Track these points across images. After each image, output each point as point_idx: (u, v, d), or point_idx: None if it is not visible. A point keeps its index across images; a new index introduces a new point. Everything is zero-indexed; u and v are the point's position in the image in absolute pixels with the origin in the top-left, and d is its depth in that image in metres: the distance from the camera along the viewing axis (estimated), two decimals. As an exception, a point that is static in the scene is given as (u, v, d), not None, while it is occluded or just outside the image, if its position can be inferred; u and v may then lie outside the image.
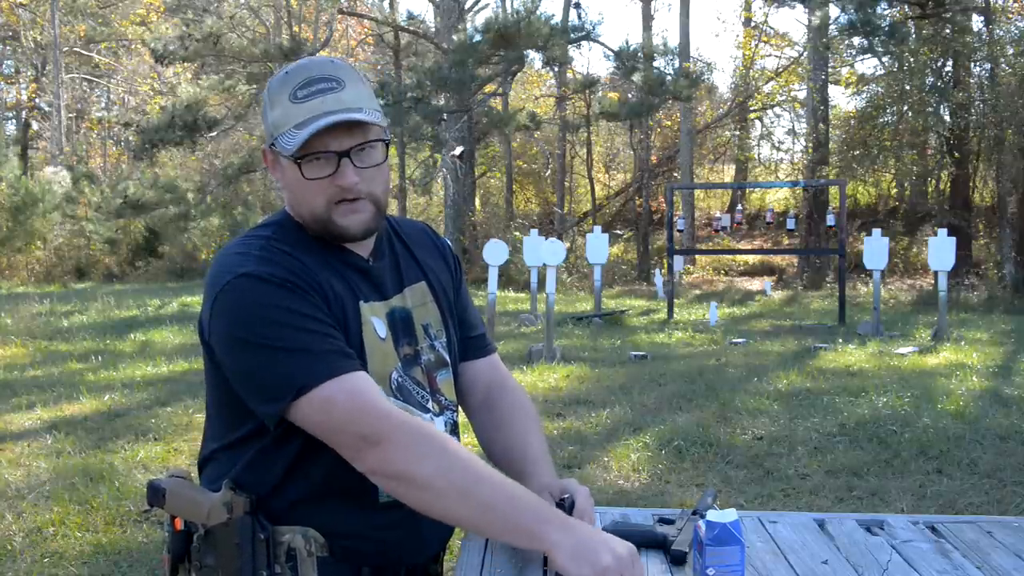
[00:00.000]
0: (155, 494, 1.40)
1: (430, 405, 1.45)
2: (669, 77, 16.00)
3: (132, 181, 17.09)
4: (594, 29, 16.24)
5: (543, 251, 9.58)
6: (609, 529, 1.49)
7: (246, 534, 1.31)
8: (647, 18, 22.73)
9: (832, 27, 17.42)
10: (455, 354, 1.54)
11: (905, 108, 17.22)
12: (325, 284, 1.33)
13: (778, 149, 26.82)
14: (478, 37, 15.34)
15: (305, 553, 1.33)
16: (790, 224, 14.10)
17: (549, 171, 25.00)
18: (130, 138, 23.47)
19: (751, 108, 24.44)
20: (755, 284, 17.80)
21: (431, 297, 1.50)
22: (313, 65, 1.34)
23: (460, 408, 1.61)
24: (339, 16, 20.83)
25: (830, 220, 12.16)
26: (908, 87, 16.78)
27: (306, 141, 1.28)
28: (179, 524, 1.38)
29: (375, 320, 1.39)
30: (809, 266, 17.73)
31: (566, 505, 1.37)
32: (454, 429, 1.51)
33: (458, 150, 17.43)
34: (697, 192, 21.85)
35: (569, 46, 16.15)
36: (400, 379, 1.41)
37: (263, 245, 1.34)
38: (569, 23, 17.69)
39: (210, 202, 17.86)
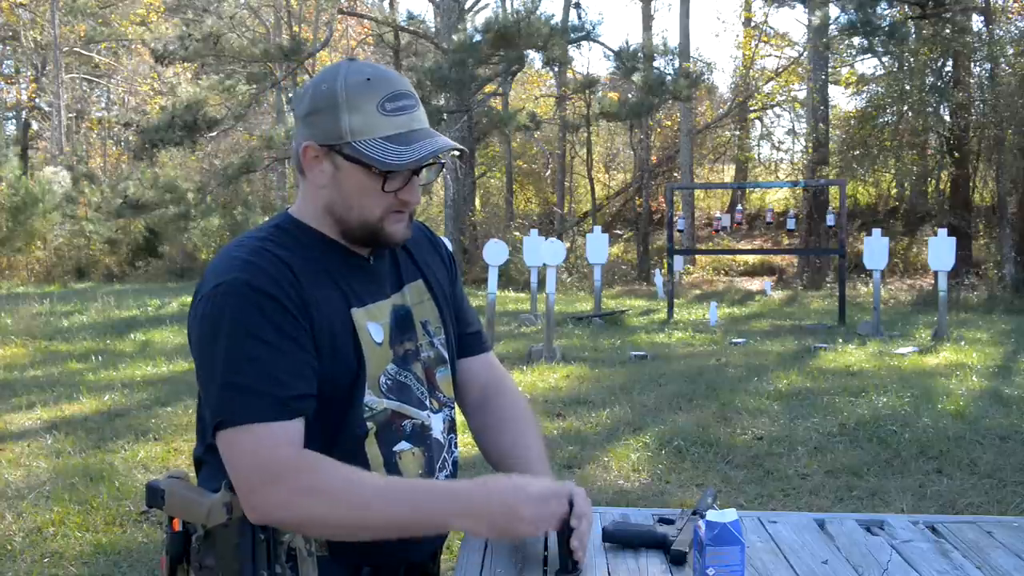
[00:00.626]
0: (153, 495, 1.40)
1: (428, 402, 1.45)
2: (669, 77, 16.00)
3: (132, 181, 17.08)
4: (594, 29, 16.27)
5: (543, 251, 9.58)
6: (609, 529, 1.49)
7: (246, 534, 1.31)
8: (647, 18, 22.74)
9: (832, 27, 17.43)
10: (453, 352, 1.55)
11: (905, 108, 17.22)
12: (310, 295, 1.33)
13: (778, 149, 26.86)
14: (478, 37, 15.34)
15: (305, 553, 1.33)
16: (790, 224, 14.11)
17: (549, 171, 25.00)
18: (130, 138, 23.48)
19: (751, 108, 24.45)
20: (755, 284, 17.80)
21: (429, 295, 1.51)
22: (394, 78, 1.37)
23: (458, 405, 1.62)
24: (339, 16, 20.83)
25: (830, 220, 12.16)
26: (908, 87, 16.78)
27: (417, 161, 1.32)
28: (177, 525, 1.38)
29: (371, 325, 1.39)
30: (809, 266, 17.73)
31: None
32: (452, 426, 1.52)
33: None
34: (697, 192, 21.86)
35: (569, 46, 16.15)
36: (396, 376, 1.41)
37: (256, 248, 1.35)
38: (569, 23, 17.71)
39: (210, 202, 17.85)
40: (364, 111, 1.32)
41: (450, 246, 1.69)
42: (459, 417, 1.58)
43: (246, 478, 1.27)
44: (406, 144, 1.32)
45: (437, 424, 1.46)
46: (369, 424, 1.37)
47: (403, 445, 1.40)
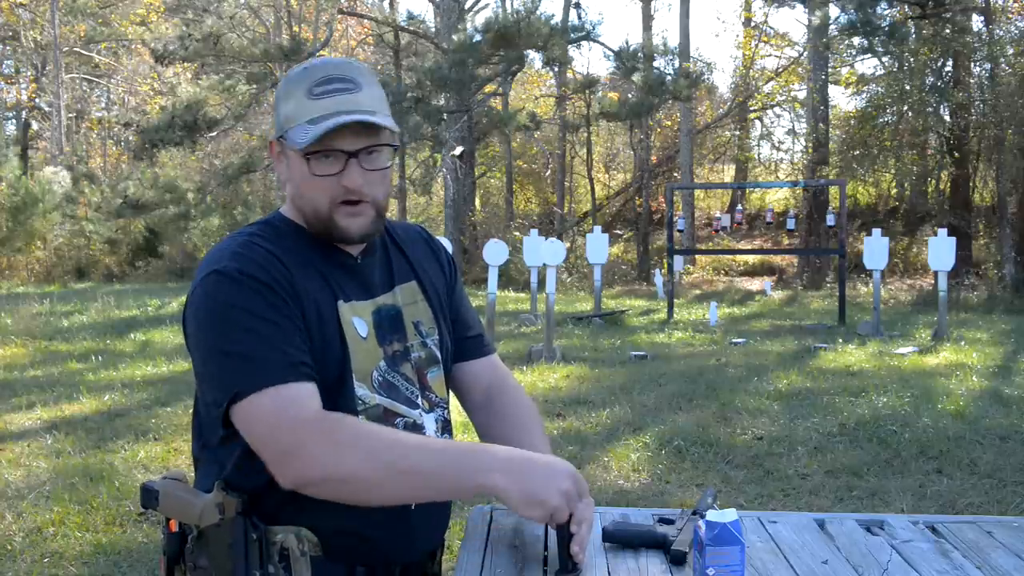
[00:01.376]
0: (148, 496, 1.40)
1: (419, 401, 1.45)
2: (669, 77, 16.00)
3: (132, 181, 17.09)
4: (594, 29, 16.27)
5: (543, 251, 9.58)
6: (609, 529, 1.49)
7: (239, 534, 1.31)
8: (647, 18, 22.74)
9: (832, 27, 17.43)
10: (447, 353, 1.54)
11: (905, 108, 17.23)
12: (299, 285, 1.34)
13: (778, 149, 26.87)
14: (478, 37, 15.35)
15: (298, 552, 1.33)
16: (790, 224, 14.10)
17: (549, 171, 25.01)
18: (130, 138, 23.49)
19: (751, 108, 24.45)
20: (755, 284, 17.81)
21: (422, 296, 1.51)
22: (332, 64, 1.35)
23: (460, 407, 1.62)
24: (339, 16, 20.83)
25: (830, 220, 12.16)
26: (908, 87, 16.78)
27: (319, 138, 1.30)
28: (174, 525, 1.38)
29: (356, 320, 1.39)
30: (809, 266, 17.73)
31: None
32: (445, 426, 1.51)
33: (458, 150, 17.44)
34: (697, 192, 21.86)
35: (569, 46, 16.15)
36: (385, 376, 1.41)
37: (244, 241, 1.36)
38: (569, 23, 17.71)
39: (210, 202, 17.86)
40: (296, 98, 1.33)
41: (450, 247, 1.69)
42: (457, 418, 1.58)
43: (276, 441, 1.25)
44: (319, 123, 1.30)
45: (430, 424, 1.46)
46: (360, 416, 1.37)
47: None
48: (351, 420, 1.29)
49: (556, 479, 1.28)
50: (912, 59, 16.82)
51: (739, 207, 15.01)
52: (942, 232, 9.92)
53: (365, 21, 23.25)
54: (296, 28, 22.92)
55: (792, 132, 26.10)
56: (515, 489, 1.26)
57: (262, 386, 1.25)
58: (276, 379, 1.26)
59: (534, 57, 16.47)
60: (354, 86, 1.33)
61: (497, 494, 1.26)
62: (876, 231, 10.68)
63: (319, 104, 1.31)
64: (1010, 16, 17.29)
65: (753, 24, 24.19)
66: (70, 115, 26.93)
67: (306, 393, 1.28)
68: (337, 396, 1.35)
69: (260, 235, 1.38)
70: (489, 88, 19.14)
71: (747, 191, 21.43)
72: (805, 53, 21.33)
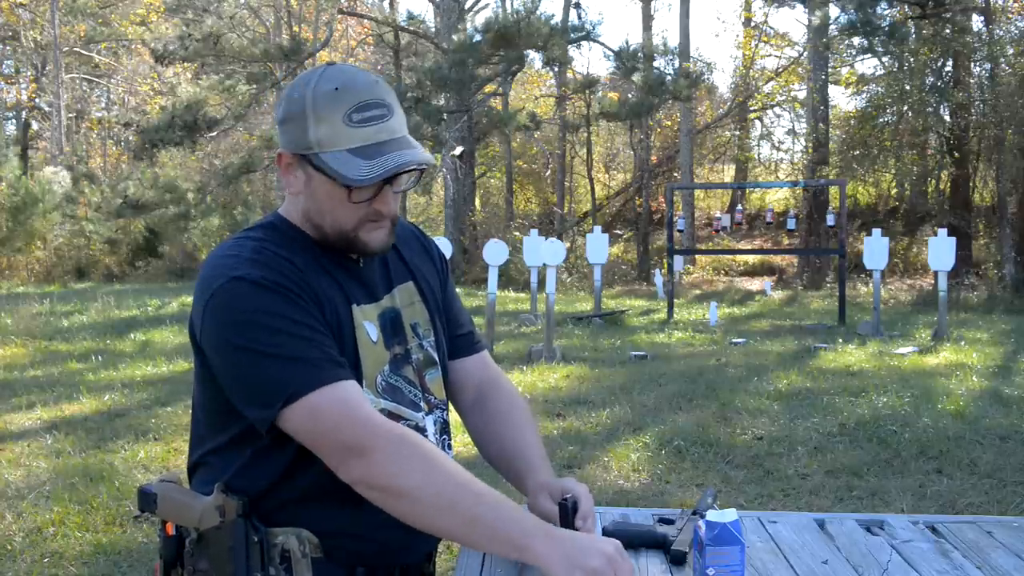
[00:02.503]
0: (145, 499, 1.39)
1: (421, 403, 1.45)
2: (669, 77, 16.01)
3: (132, 181, 17.10)
4: (594, 29, 16.28)
5: (543, 251, 9.58)
6: (609, 529, 1.49)
7: (239, 537, 1.31)
8: (647, 18, 22.74)
9: (832, 27, 17.43)
10: (444, 353, 1.54)
11: (905, 108, 17.23)
12: (318, 288, 1.34)
13: (778, 149, 26.86)
14: (478, 37, 15.36)
15: (299, 554, 1.33)
16: (790, 224, 14.10)
17: (549, 171, 25.01)
18: (130, 138, 23.49)
19: (751, 108, 24.45)
20: (755, 284, 17.81)
21: (419, 297, 1.51)
22: (363, 86, 1.33)
23: (451, 407, 1.61)
24: (339, 16, 20.83)
25: (830, 220, 12.16)
26: (908, 87, 16.78)
27: (377, 178, 1.30)
28: (170, 529, 1.38)
29: (367, 324, 1.39)
30: (809, 266, 17.73)
31: (568, 505, 1.36)
32: (444, 427, 1.51)
33: (458, 150, 17.44)
34: (697, 192, 21.86)
35: (569, 46, 16.16)
36: (388, 379, 1.41)
37: (256, 247, 1.34)
38: (569, 23, 17.71)
39: (210, 202, 17.87)
40: (331, 122, 1.31)
41: (448, 247, 1.69)
42: (453, 418, 1.58)
43: (345, 438, 1.25)
44: (371, 157, 1.30)
45: (430, 426, 1.46)
46: None
47: None
48: (416, 436, 1.29)
49: (596, 544, 1.23)
50: (912, 59, 16.82)
51: (739, 207, 15.02)
52: (942, 232, 9.92)
53: (365, 21, 23.25)
54: (296, 28, 22.93)
55: (792, 132, 26.12)
56: (555, 555, 1.20)
57: (318, 385, 1.25)
58: (330, 377, 1.26)
59: (534, 57, 16.49)
60: (388, 111, 1.33)
61: (536, 560, 1.21)
62: (876, 231, 10.68)
63: (360, 132, 1.31)
64: (1010, 16, 17.30)
65: (753, 24, 24.19)
66: (70, 115, 26.93)
67: (358, 391, 1.29)
68: None
69: (268, 240, 1.37)
70: (489, 88, 19.15)
71: (747, 191, 21.43)
72: (805, 53, 21.33)
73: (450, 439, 1.54)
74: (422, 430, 1.44)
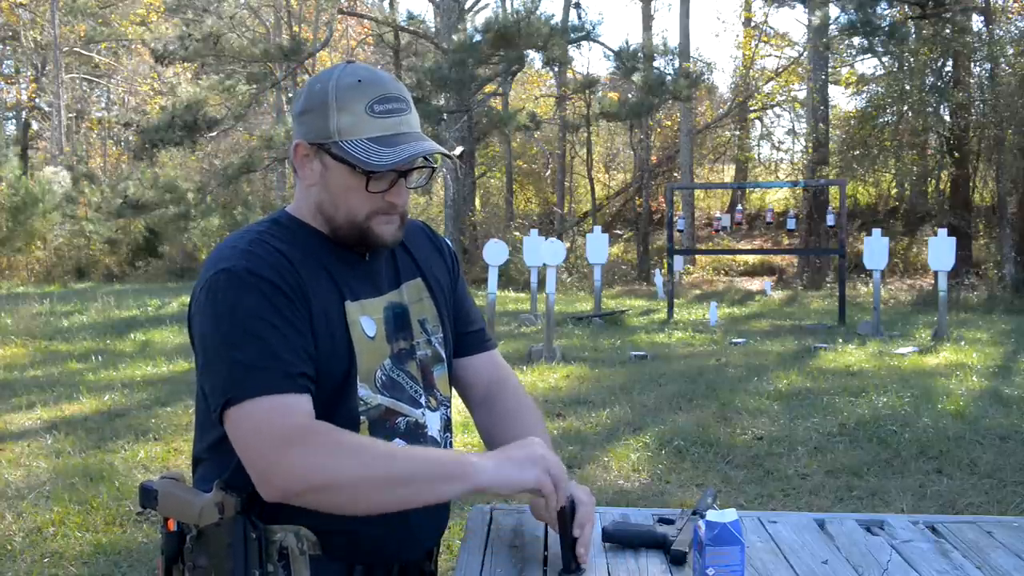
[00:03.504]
0: (147, 496, 1.41)
1: (423, 400, 1.46)
2: (669, 77, 16.01)
3: (132, 181, 17.07)
4: (594, 29, 16.28)
5: (543, 251, 9.58)
6: (609, 529, 1.49)
7: (238, 534, 1.32)
8: (647, 18, 22.74)
9: (832, 27, 17.43)
10: (451, 350, 1.55)
11: (905, 108, 17.23)
12: (308, 286, 1.34)
13: (778, 149, 26.87)
14: (478, 37, 15.35)
15: (297, 552, 1.33)
16: (790, 224, 14.10)
17: (549, 171, 25.01)
18: (130, 138, 23.49)
19: (751, 108, 24.45)
20: (755, 284, 17.81)
21: (427, 294, 1.52)
22: (385, 81, 1.37)
23: (463, 404, 1.63)
24: (339, 16, 20.83)
25: (830, 220, 12.16)
26: (908, 87, 16.78)
27: (397, 163, 1.33)
28: (172, 525, 1.39)
29: (364, 319, 1.40)
30: (809, 266, 17.73)
31: (567, 508, 1.36)
32: (447, 425, 1.52)
33: (458, 150, 17.43)
34: (697, 192, 21.86)
35: (569, 46, 16.16)
36: (389, 374, 1.41)
37: (254, 239, 1.36)
38: (569, 23, 17.71)
39: (210, 202, 17.85)
40: (353, 111, 1.34)
41: (452, 246, 1.70)
42: (456, 416, 1.58)
43: (260, 448, 1.25)
44: (390, 146, 1.33)
45: (433, 422, 1.46)
46: (362, 417, 1.37)
47: (397, 442, 1.40)
48: (334, 429, 1.29)
49: (530, 444, 1.36)
50: (912, 59, 16.82)
51: (739, 207, 15.01)
52: (942, 232, 9.92)
53: (365, 21, 23.25)
54: (296, 28, 22.94)
55: (792, 132, 26.13)
56: (504, 465, 1.31)
57: (254, 394, 1.25)
58: (270, 388, 1.26)
59: (534, 57, 16.49)
60: (407, 107, 1.37)
61: (490, 480, 1.29)
62: (876, 231, 10.67)
63: (382, 123, 1.34)
64: (1010, 16, 17.30)
65: (753, 24, 24.20)
66: (70, 115, 26.93)
67: (301, 404, 1.28)
68: (341, 397, 1.35)
69: (269, 233, 1.38)
70: (489, 88, 19.14)
71: (747, 191, 21.43)
72: (805, 53, 21.33)
73: (452, 436, 1.54)
74: (422, 426, 1.44)
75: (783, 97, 24.50)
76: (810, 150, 19.84)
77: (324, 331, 1.34)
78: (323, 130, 1.35)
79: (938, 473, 4.65)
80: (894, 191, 20.33)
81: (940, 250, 9.55)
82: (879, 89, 18.85)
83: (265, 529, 1.33)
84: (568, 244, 17.02)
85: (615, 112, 16.80)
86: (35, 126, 28.57)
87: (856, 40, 17.06)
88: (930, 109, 16.85)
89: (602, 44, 25.00)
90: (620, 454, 5.03)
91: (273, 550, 1.33)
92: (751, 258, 19.32)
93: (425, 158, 1.38)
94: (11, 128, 28.06)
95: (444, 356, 1.52)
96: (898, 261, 16.88)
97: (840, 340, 9.35)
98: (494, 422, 1.58)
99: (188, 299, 1.41)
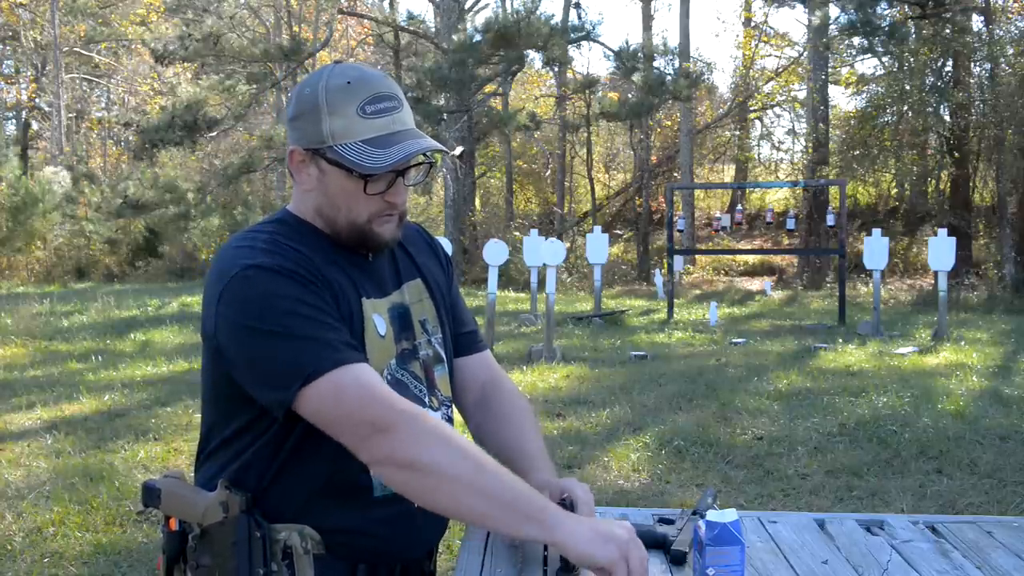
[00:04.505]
0: (150, 494, 1.41)
1: (427, 400, 1.46)
2: (669, 77, 16.01)
3: (132, 181, 17.07)
4: (594, 29, 16.29)
5: (543, 251, 9.58)
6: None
7: (242, 533, 1.32)
8: (647, 18, 22.74)
9: (832, 27, 17.43)
10: (450, 351, 1.56)
11: (905, 108, 17.23)
12: (331, 278, 1.35)
13: (778, 149, 26.86)
14: (478, 37, 15.35)
15: (301, 551, 1.34)
16: (790, 224, 14.09)
17: (549, 171, 25.01)
18: (130, 138, 23.49)
19: (751, 108, 24.44)
20: (755, 284, 17.81)
21: (427, 294, 1.53)
22: (375, 79, 1.36)
23: (455, 406, 1.62)
24: (339, 16, 20.83)
25: (830, 220, 12.16)
26: (908, 87, 16.78)
27: (394, 164, 1.32)
28: (174, 524, 1.39)
29: (376, 317, 1.40)
30: (809, 266, 17.73)
31: (566, 504, 1.37)
32: (449, 424, 1.51)
33: (458, 150, 17.43)
34: (697, 192, 21.85)
35: (569, 46, 16.16)
36: (394, 374, 1.41)
37: (268, 239, 1.36)
38: (569, 23, 17.71)
39: (210, 202, 17.85)
40: (344, 114, 1.33)
41: (449, 247, 1.71)
42: (457, 417, 1.58)
43: (368, 416, 1.24)
44: (385, 147, 1.32)
45: None
46: None
47: None
48: (435, 417, 1.31)
49: (614, 523, 1.26)
50: (912, 59, 16.81)
51: (739, 207, 15.00)
52: (942, 232, 9.92)
53: (365, 21, 23.25)
54: (296, 28, 22.93)
55: (792, 132, 26.12)
56: (581, 529, 1.22)
57: (337, 364, 1.25)
58: (348, 358, 1.26)
59: (534, 57, 16.49)
60: (399, 104, 1.36)
61: (558, 535, 1.22)
62: (876, 231, 10.67)
63: (374, 123, 1.33)
64: (1010, 16, 17.30)
65: (753, 24, 24.19)
66: (70, 115, 26.93)
67: (375, 373, 1.29)
68: None
69: (279, 233, 1.38)
70: (489, 88, 19.14)
71: (747, 191, 21.42)
72: (805, 53, 21.33)
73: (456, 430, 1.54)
74: None
75: (783, 97, 24.50)
76: (810, 150, 19.84)
77: (347, 325, 1.35)
78: (316, 135, 1.34)
79: (938, 473, 4.65)
80: (894, 191, 20.33)
81: (940, 250, 9.55)
82: (879, 89, 18.85)
83: (269, 528, 1.33)
84: (568, 244, 17.02)
85: (615, 112, 16.79)
86: (35, 126, 28.57)
87: (856, 40, 17.06)
88: (930, 109, 16.85)
89: (602, 44, 25.02)
90: (620, 454, 5.03)
91: (277, 549, 1.33)
92: (751, 258, 19.32)
93: (423, 154, 1.37)
94: (11, 128, 28.07)
95: (444, 356, 1.52)
96: (898, 261, 16.88)
97: (840, 340, 9.35)
98: (489, 424, 1.58)
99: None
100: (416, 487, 1.26)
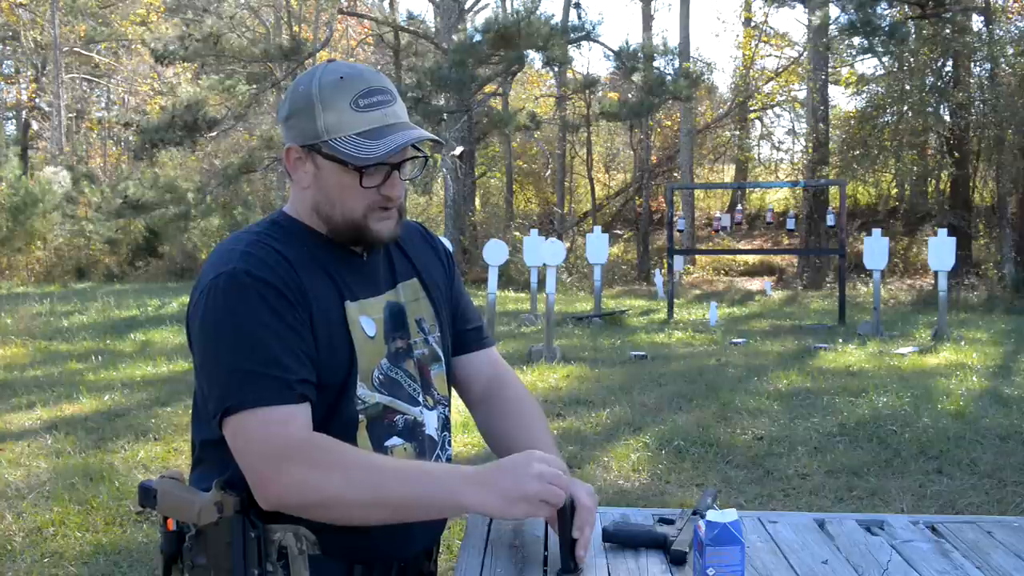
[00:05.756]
0: (146, 495, 1.41)
1: (421, 399, 1.46)
2: (669, 77, 16.00)
3: (132, 181, 17.10)
4: (594, 29, 16.24)
5: (543, 251, 9.58)
6: (609, 529, 1.49)
7: (237, 533, 1.32)
8: (647, 18, 22.75)
9: (832, 27, 17.42)
10: (448, 349, 1.55)
11: (905, 108, 17.22)
12: (308, 287, 1.35)
13: (778, 149, 26.86)
14: (478, 37, 15.34)
15: (296, 551, 1.34)
16: (790, 224, 14.10)
17: (549, 171, 25.00)
18: (130, 138, 23.48)
19: (751, 108, 24.44)
20: (755, 284, 17.80)
21: (424, 293, 1.53)
22: (367, 74, 1.37)
23: (462, 402, 1.63)
24: (339, 16, 20.83)
25: (830, 220, 12.16)
26: (908, 87, 16.78)
27: (388, 154, 1.33)
28: (171, 524, 1.39)
29: (363, 319, 1.40)
30: (809, 266, 17.72)
31: (566, 506, 1.36)
32: (445, 424, 1.52)
33: (458, 150, 17.43)
34: (697, 192, 21.85)
35: (569, 46, 16.14)
36: (388, 372, 1.41)
37: (253, 241, 1.36)
38: (569, 23, 17.69)
39: (210, 202, 17.85)
40: (338, 108, 1.33)
41: (450, 246, 1.71)
42: (456, 416, 1.58)
43: (258, 460, 1.27)
44: (378, 138, 1.33)
45: (431, 421, 1.47)
46: (360, 416, 1.37)
47: (395, 440, 1.41)
48: (334, 445, 1.29)
49: (524, 468, 1.29)
50: (912, 59, 16.81)
51: (739, 207, 15.01)
52: (942, 232, 9.92)
53: (365, 21, 23.24)
54: (296, 28, 22.92)
55: (792, 132, 26.12)
56: (491, 498, 1.27)
57: (252, 405, 1.26)
58: (270, 400, 1.27)
59: (534, 57, 16.43)
60: (392, 97, 1.37)
61: (476, 510, 1.29)
62: (876, 231, 10.67)
63: (368, 116, 1.34)
64: (1010, 16, 17.29)
65: (753, 24, 24.19)
66: (70, 115, 26.93)
67: (298, 415, 1.28)
68: (341, 398, 1.36)
69: (268, 235, 1.38)
70: (489, 88, 19.12)
71: (747, 191, 21.42)
72: (805, 53, 21.33)
73: (450, 436, 1.54)
74: (421, 425, 1.45)
75: (783, 97, 24.49)
76: (810, 150, 19.83)
77: (324, 332, 1.34)
78: (311, 131, 1.35)
79: (938, 473, 4.65)
80: (894, 191, 20.33)
81: (940, 250, 9.55)
82: (879, 89, 18.83)
83: (264, 528, 1.33)
84: (568, 244, 17.02)
85: (615, 112, 16.79)
86: (35, 126, 28.56)
87: (856, 40, 17.02)
88: (930, 109, 16.84)
89: (602, 44, 24.83)
90: (620, 454, 5.03)
91: (272, 549, 1.33)
92: (751, 258, 19.32)
93: (416, 147, 1.38)
94: (11, 128, 28.05)
95: (441, 355, 1.52)
96: (898, 261, 16.87)
97: (840, 340, 9.35)
98: (495, 419, 1.58)
99: (188, 299, 1.41)
100: (326, 516, 1.29)
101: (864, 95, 19.84)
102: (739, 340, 9.46)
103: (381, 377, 1.40)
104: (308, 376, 1.31)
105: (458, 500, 1.28)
